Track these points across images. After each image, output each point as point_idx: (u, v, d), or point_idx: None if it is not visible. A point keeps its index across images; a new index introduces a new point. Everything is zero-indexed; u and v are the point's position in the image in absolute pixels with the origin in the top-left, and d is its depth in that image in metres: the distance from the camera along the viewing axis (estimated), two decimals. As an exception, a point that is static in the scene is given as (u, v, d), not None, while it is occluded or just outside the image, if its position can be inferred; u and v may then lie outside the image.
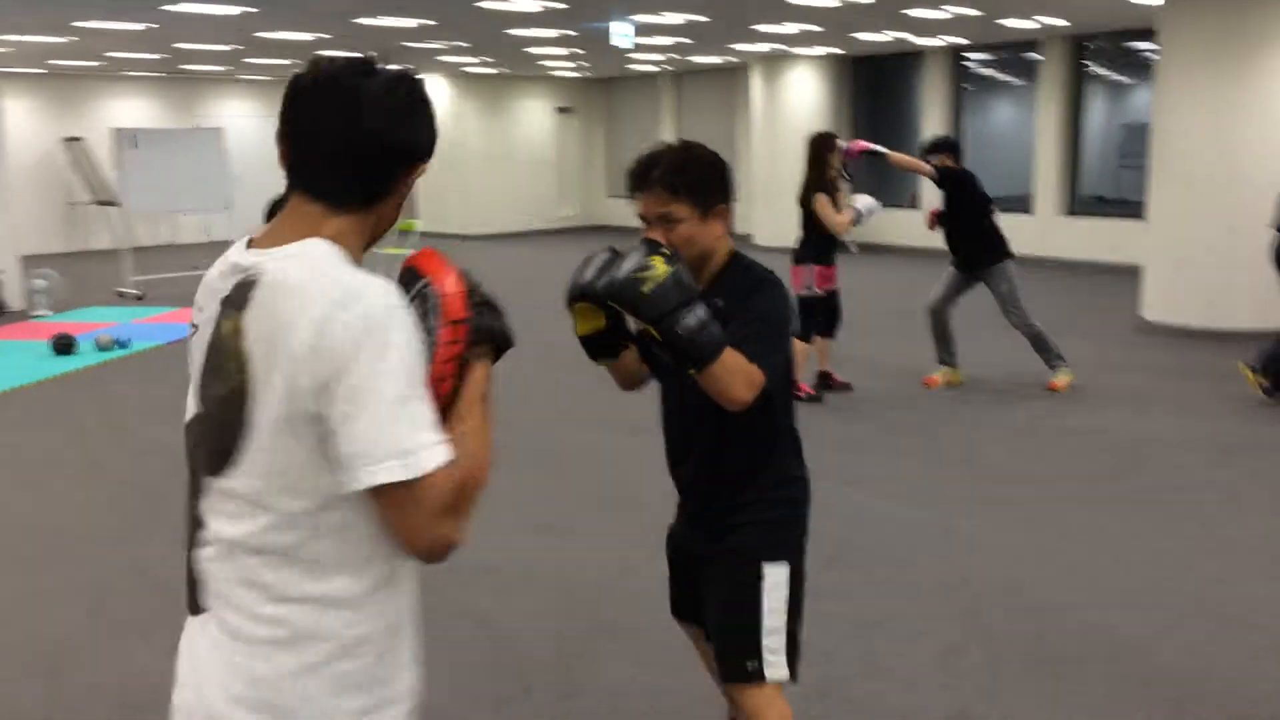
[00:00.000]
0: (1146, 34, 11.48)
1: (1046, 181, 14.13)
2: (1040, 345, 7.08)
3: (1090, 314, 10.16)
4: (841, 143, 6.93)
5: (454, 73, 18.51)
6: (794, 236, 6.99)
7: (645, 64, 17.25)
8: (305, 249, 1.42)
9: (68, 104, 17.57)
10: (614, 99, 20.51)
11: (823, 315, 6.94)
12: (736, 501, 2.33)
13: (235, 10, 9.86)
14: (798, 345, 6.39)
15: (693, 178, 2.25)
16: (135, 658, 3.65)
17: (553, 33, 12.11)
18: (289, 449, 1.36)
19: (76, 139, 17.28)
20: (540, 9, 10.06)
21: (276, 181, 1.57)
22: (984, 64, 15.77)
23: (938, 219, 7.17)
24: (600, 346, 2.31)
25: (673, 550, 2.56)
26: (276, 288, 1.37)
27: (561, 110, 20.27)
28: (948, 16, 11.09)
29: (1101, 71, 14.61)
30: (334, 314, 1.32)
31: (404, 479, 1.31)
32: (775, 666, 2.28)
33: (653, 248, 2.09)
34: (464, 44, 13.55)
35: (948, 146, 7.20)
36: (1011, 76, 16.06)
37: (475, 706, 3.27)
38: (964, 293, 7.15)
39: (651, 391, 2.49)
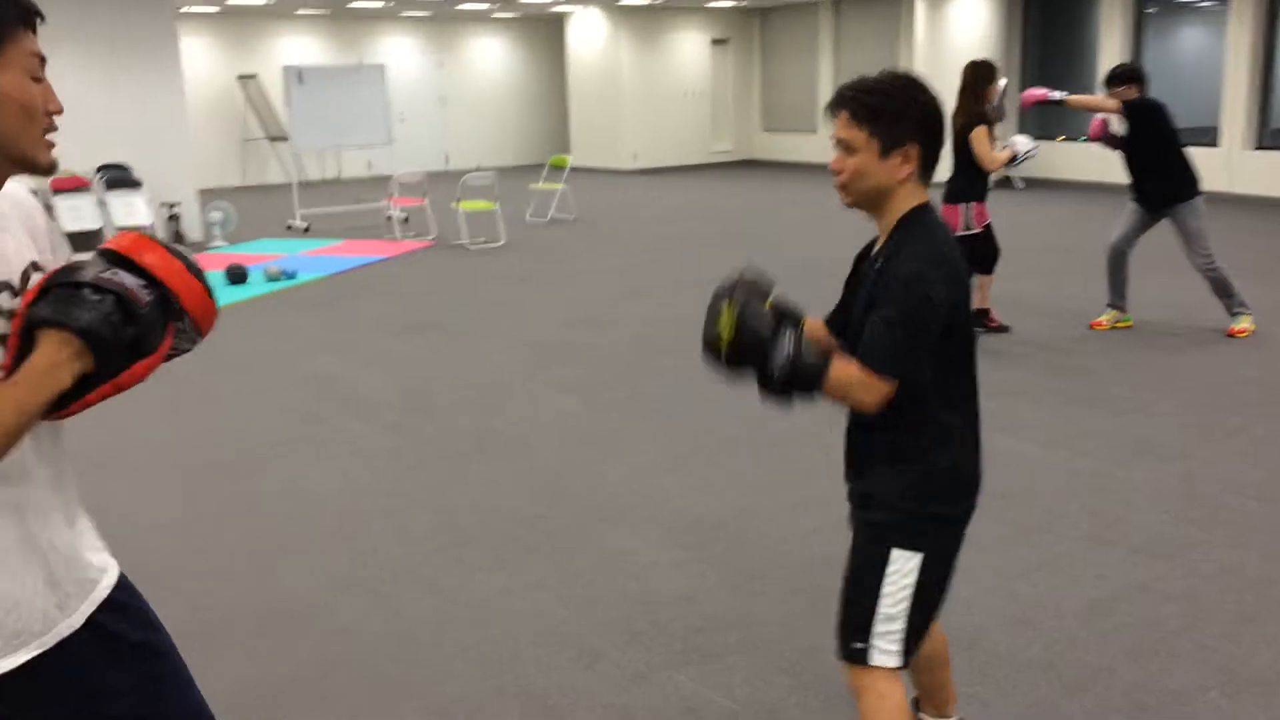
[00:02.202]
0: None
1: (1235, 112, 13.16)
2: (1222, 289, 6.63)
3: (1278, 256, 9.46)
4: (1002, 80, 6.57)
5: (609, 5, 18.41)
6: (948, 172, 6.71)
7: (804, -8, 16.77)
8: None
9: (242, 42, 18.27)
10: (770, 30, 20.05)
11: (982, 252, 6.68)
12: (879, 478, 2.18)
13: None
14: None
15: (878, 105, 2.05)
16: (280, 578, 3.83)
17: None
18: None
19: (250, 76, 17.99)
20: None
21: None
22: (1170, -15, 14.71)
23: (1114, 142, 6.67)
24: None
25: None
26: None
27: (716, 42, 19.96)
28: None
29: (1304, -9, 13.42)
30: None
31: None
32: (884, 654, 2.15)
33: (720, 297, 2.03)
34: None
35: (1132, 77, 6.61)
36: (1201, -2, 14.95)
37: (607, 636, 3.31)
38: (1146, 231, 6.74)
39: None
